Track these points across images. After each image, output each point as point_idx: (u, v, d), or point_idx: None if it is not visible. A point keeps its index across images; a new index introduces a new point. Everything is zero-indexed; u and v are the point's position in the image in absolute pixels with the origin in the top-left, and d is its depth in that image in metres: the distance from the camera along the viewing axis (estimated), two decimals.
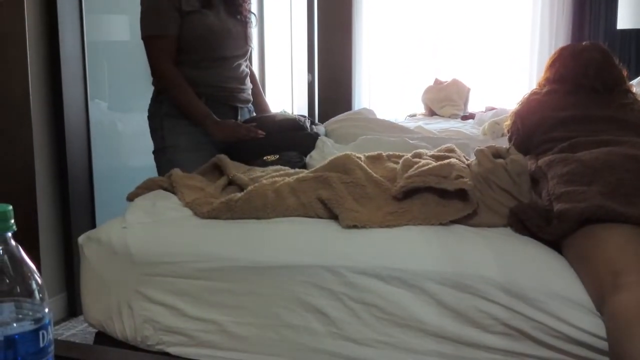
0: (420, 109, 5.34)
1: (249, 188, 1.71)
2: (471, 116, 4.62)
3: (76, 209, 2.73)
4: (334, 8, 5.73)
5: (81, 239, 1.73)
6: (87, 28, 2.82)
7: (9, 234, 0.65)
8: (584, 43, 2.27)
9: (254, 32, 2.56)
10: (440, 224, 1.61)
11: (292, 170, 1.93)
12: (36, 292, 0.64)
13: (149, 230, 1.67)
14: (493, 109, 4.55)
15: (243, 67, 2.46)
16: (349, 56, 5.88)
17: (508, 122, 2.26)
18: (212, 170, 2.01)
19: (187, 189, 1.81)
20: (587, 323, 1.37)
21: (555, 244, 1.55)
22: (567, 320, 1.38)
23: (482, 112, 4.70)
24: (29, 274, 0.64)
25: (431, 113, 5.14)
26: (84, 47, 2.82)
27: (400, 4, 6.01)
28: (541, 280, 1.45)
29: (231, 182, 1.87)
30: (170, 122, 2.30)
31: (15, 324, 0.61)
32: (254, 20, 2.53)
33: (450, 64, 5.81)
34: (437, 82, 5.34)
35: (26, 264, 0.65)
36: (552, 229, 1.54)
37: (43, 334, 0.63)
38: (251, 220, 1.67)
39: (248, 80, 2.50)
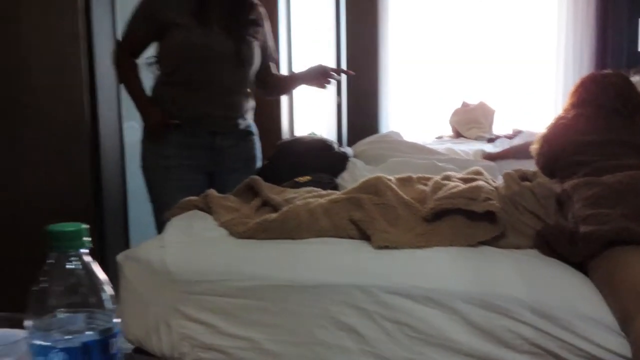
0: (447, 131, 5.39)
1: (284, 209, 1.77)
2: (497, 138, 4.65)
3: (111, 230, 2.81)
4: (361, 31, 5.80)
5: (120, 257, 1.79)
6: None
7: (84, 251, 0.71)
8: (605, 71, 2.34)
9: (282, 57, 2.58)
10: (469, 245, 1.66)
11: (324, 192, 1.98)
12: (108, 304, 0.70)
13: (187, 250, 1.73)
14: (519, 131, 4.58)
15: (237, 97, 2.42)
16: (376, 79, 5.94)
17: (535, 146, 2.30)
18: (246, 192, 2.07)
19: (222, 209, 1.87)
20: (613, 343, 1.40)
21: (581, 266, 1.58)
22: (593, 340, 1.41)
23: (507, 134, 4.74)
24: (101, 287, 0.70)
25: (458, 135, 5.19)
26: None
27: (428, 27, 6.08)
28: (567, 300, 1.48)
29: (265, 203, 1.93)
30: (148, 144, 2.40)
31: (89, 332, 0.67)
32: (269, 41, 2.48)
33: (478, 87, 5.86)
34: (465, 105, 5.39)
35: (99, 278, 0.71)
36: (578, 251, 1.57)
37: (113, 341, 0.70)
38: (285, 240, 1.73)
39: (244, 111, 2.45)
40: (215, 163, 2.41)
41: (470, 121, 5.09)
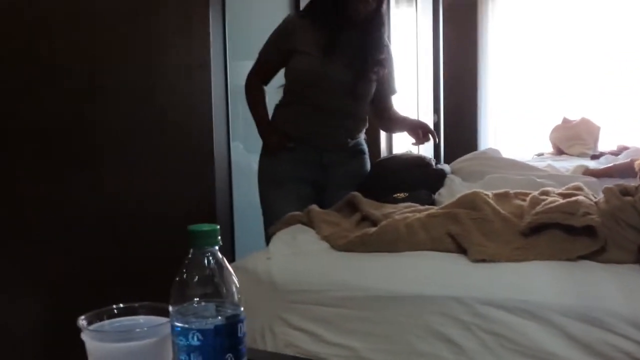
0: (548, 148, 5.30)
1: (382, 223, 1.84)
2: (601, 155, 4.54)
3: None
4: (459, 49, 5.81)
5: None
6: (230, 73, 3.06)
7: (217, 248, 0.85)
8: None
9: None
10: (568, 260, 1.66)
11: (422, 207, 2.04)
12: (235, 295, 0.83)
13: (291, 261, 1.83)
14: (625, 147, 4.46)
15: (347, 120, 2.53)
16: (474, 96, 5.93)
17: (639, 162, 2.27)
18: (346, 207, 2.16)
19: (324, 223, 1.96)
20: None
21: None
22: None
23: (613, 151, 4.61)
24: (230, 280, 0.84)
25: (559, 152, 5.09)
26: (227, 92, 3.05)
27: (526, 44, 6.01)
28: None
29: (364, 218, 2.01)
30: (264, 159, 2.58)
31: (220, 317, 0.81)
32: (391, 78, 2.59)
33: (579, 103, 5.73)
34: (566, 121, 5.29)
35: (229, 272, 0.84)
36: None
37: (240, 326, 0.83)
38: (384, 253, 1.79)
39: (353, 132, 2.58)
40: (324, 178, 2.55)
41: (572, 138, 4.99)
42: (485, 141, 5.96)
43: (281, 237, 1.95)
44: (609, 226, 1.72)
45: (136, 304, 0.90)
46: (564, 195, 1.91)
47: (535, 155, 5.21)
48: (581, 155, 4.83)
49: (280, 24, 2.55)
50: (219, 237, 0.84)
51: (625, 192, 1.86)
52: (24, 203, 2.31)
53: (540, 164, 3.50)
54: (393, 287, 1.67)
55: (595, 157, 4.61)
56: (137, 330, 0.86)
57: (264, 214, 2.59)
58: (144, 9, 2.50)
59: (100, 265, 2.44)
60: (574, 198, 1.80)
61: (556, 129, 5.22)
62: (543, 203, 1.80)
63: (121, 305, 0.90)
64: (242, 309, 0.84)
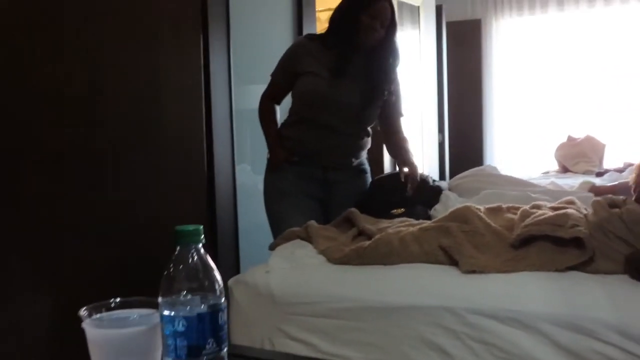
0: (554, 166, 5.33)
1: (377, 237, 1.89)
2: (606, 172, 4.56)
3: (224, 258, 3.02)
4: (464, 68, 5.87)
5: (231, 282, 1.97)
6: (235, 97, 3.13)
7: (200, 245, 0.95)
8: None
9: None
10: (557, 270, 1.71)
11: (416, 221, 2.09)
12: (217, 288, 0.94)
13: (289, 275, 1.89)
14: (631, 164, 4.48)
15: (352, 140, 2.59)
16: (479, 115, 5.98)
17: (633, 175, 2.31)
18: (344, 223, 2.22)
19: (321, 238, 2.02)
20: None
21: None
22: None
23: (618, 168, 4.64)
24: (212, 273, 0.95)
25: (564, 170, 5.12)
26: (232, 115, 3.13)
27: (530, 63, 6.07)
28: None
29: (361, 233, 2.07)
30: (269, 175, 2.65)
31: (202, 306, 0.92)
32: (399, 100, 2.64)
33: (584, 120, 5.77)
34: (570, 139, 5.32)
35: (211, 266, 0.94)
36: None
37: (221, 315, 0.94)
38: (378, 265, 1.85)
39: (357, 151, 2.63)
40: (327, 194, 2.61)
41: (577, 155, 5.03)
42: (491, 160, 6.01)
43: (280, 252, 2.01)
44: (597, 238, 1.77)
45: (130, 299, 1.01)
46: (554, 209, 1.96)
47: (542, 173, 5.24)
48: (586, 172, 4.86)
49: (290, 47, 2.65)
50: (202, 236, 0.95)
51: (613, 204, 1.91)
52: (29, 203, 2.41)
53: (544, 182, 3.54)
54: (386, 299, 1.72)
55: (600, 174, 4.63)
56: (130, 319, 0.97)
57: (272, 227, 2.64)
58: (141, 33, 2.59)
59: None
60: (562, 211, 1.85)
61: (561, 147, 5.26)
62: (533, 216, 1.85)
63: (117, 299, 1.01)
64: (223, 299, 0.95)
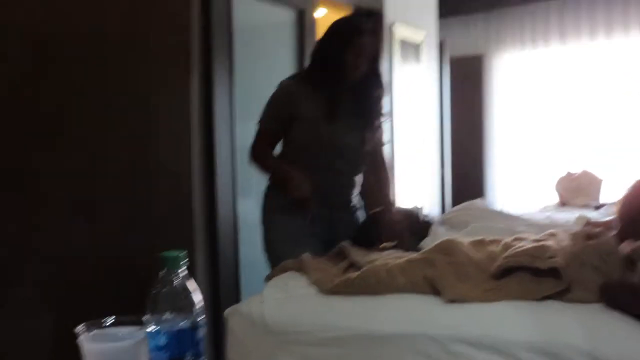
0: (554, 200, 5.41)
1: (364, 268, 1.99)
2: (602, 206, 4.64)
3: (225, 289, 3.12)
4: (465, 105, 5.98)
5: (227, 312, 2.06)
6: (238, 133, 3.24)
7: (183, 269, 1.12)
8: None
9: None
10: (534, 300, 1.80)
11: (404, 254, 2.19)
12: (194, 307, 1.11)
13: (282, 305, 1.98)
14: None
15: (349, 179, 2.66)
16: (480, 149, 6.06)
17: (616, 208, 2.40)
18: (337, 256, 2.32)
19: (313, 270, 2.12)
20: None
21: None
22: None
23: (615, 201, 4.71)
24: (192, 294, 1.11)
25: (564, 203, 5.20)
26: (234, 152, 3.23)
27: (532, 97, 6.18)
28: (629, 349, 1.58)
29: (352, 265, 2.17)
30: (274, 218, 2.66)
31: (182, 323, 1.09)
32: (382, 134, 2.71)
33: (583, 155, 5.87)
34: (569, 175, 5.41)
35: (191, 288, 1.12)
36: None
37: (199, 330, 1.11)
38: (366, 295, 1.94)
39: (352, 190, 2.69)
40: (333, 234, 2.60)
41: (575, 190, 5.11)
42: (492, 194, 6.09)
43: (274, 283, 2.12)
44: (574, 268, 1.86)
45: (121, 318, 1.15)
46: (535, 241, 2.05)
47: (542, 208, 5.31)
48: (585, 206, 4.93)
49: (276, 92, 2.62)
50: (186, 260, 1.11)
51: (589, 236, 2.01)
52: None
53: (540, 216, 3.62)
54: (374, 327, 1.81)
55: (597, 207, 4.71)
56: (120, 334, 1.11)
57: (269, 261, 2.66)
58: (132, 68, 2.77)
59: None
60: (541, 242, 1.95)
61: (560, 181, 5.34)
62: (513, 248, 1.95)
63: (109, 318, 1.15)
64: (201, 317, 1.11)
